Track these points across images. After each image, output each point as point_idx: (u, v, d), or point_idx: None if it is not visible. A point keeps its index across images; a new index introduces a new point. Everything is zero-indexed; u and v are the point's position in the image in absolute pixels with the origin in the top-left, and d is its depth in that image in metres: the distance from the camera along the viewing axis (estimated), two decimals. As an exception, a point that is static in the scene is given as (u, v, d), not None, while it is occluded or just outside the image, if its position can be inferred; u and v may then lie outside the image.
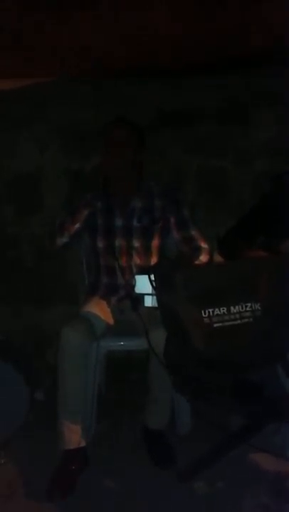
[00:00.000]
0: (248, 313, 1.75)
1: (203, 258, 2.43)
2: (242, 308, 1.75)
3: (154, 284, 1.80)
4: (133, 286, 1.89)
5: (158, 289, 1.80)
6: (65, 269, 3.32)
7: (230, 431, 2.10)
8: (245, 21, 2.65)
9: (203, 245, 2.48)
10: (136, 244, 2.48)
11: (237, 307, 1.74)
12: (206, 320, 1.72)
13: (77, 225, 2.47)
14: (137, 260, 2.47)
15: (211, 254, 2.44)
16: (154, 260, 2.49)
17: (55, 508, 1.97)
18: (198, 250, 2.46)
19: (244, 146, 3.38)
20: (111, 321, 2.44)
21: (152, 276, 1.80)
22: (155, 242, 2.51)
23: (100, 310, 2.42)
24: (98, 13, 2.48)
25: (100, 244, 2.51)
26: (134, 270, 2.45)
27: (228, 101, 3.35)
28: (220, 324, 1.74)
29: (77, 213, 2.48)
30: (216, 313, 1.73)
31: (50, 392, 2.27)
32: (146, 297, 1.83)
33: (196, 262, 2.41)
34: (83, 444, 2.17)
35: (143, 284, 1.80)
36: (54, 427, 2.18)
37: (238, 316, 1.74)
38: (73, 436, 2.15)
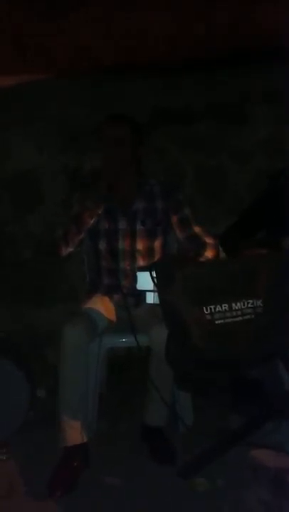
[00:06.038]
0: (249, 310, 1.76)
1: (209, 253, 2.41)
2: (244, 304, 1.75)
3: (155, 281, 1.80)
4: (134, 287, 1.88)
5: (159, 285, 1.80)
6: (64, 268, 3.32)
7: (231, 427, 2.11)
8: (242, 19, 2.66)
9: (209, 241, 2.44)
10: (139, 246, 2.45)
11: (239, 304, 1.75)
12: (208, 317, 1.73)
13: (82, 235, 2.40)
14: (140, 262, 2.44)
15: (218, 249, 2.43)
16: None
17: (55, 506, 1.97)
18: (203, 246, 2.43)
19: (241, 144, 3.39)
20: (113, 317, 2.43)
21: (154, 273, 1.80)
22: (158, 243, 2.48)
23: (102, 306, 2.41)
24: (93, 10, 2.48)
25: (102, 246, 2.47)
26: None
27: (226, 99, 3.36)
28: (221, 321, 1.74)
29: (82, 224, 2.38)
30: (217, 309, 1.73)
31: (51, 390, 2.27)
32: (148, 294, 1.83)
33: (202, 258, 2.38)
34: (84, 440, 2.16)
35: (145, 280, 1.81)
36: (55, 425, 2.18)
37: (239, 312, 1.75)
38: (74, 433, 2.14)
